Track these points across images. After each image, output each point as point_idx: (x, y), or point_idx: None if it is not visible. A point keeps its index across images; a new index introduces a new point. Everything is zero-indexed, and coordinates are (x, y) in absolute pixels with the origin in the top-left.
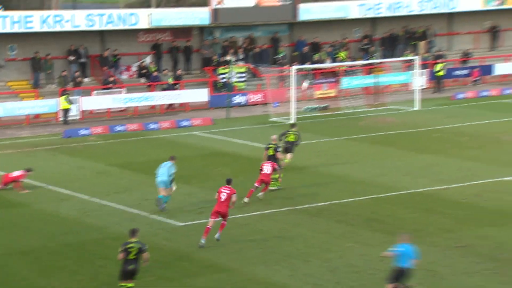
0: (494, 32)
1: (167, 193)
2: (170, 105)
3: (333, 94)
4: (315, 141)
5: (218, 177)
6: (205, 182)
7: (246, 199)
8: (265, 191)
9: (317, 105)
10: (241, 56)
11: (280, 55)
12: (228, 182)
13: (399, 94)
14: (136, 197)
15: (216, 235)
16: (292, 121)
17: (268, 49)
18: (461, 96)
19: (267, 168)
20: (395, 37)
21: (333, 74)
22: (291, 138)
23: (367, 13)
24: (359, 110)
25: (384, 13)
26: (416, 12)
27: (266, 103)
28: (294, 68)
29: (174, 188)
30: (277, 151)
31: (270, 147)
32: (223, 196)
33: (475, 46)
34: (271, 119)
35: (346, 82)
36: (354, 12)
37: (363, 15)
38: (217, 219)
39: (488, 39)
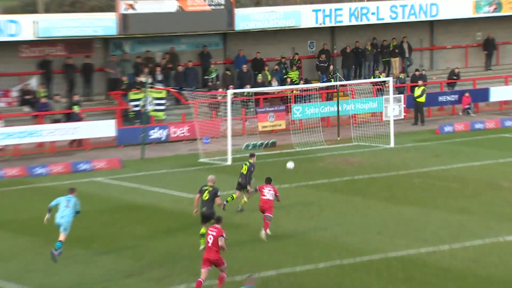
0: (488, 46)
1: (63, 239)
2: (73, 141)
3: (282, 127)
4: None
5: (129, 239)
6: (111, 245)
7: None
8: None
9: (261, 141)
10: (159, 77)
11: (212, 76)
12: (218, 220)
13: (368, 126)
14: (17, 267)
15: None
16: (249, 153)
17: (196, 67)
18: (448, 129)
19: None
20: (361, 52)
21: (282, 101)
22: (243, 169)
23: (325, 21)
24: (317, 147)
25: (346, 21)
26: (387, 20)
27: (193, 139)
28: (230, 92)
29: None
30: (217, 196)
31: (206, 190)
32: (210, 240)
33: (465, 64)
34: (200, 160)
35: (299, 111)
36: (307, 19)
37: (319, 24)
38: (209, 268)
39: (481, 55)
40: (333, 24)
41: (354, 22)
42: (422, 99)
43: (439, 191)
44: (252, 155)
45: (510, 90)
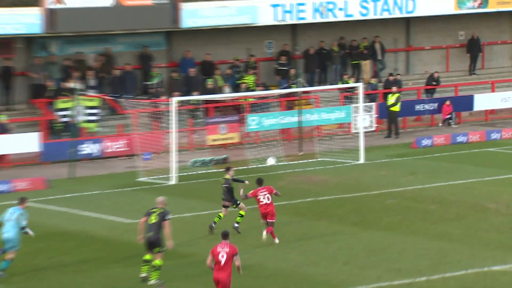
0: (472, 47)
1: (12, 256)
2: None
3: (235, 140)
4: (207, 212)
5: (55, 272)
6: (34, 280)
7: None
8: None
9: (211, 157)
10: (92, 83)
11: (153, 81)
12: (225, 236)
13: (334, 139)
14: None
15: None
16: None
17: (135, 71)
18: (426, 142)
19: (263, 195)
20: (327, 54)
21: (235, 110)
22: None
23: (285, 18)
24: (276, 163)
25: (310, 18)
26: (357, 17)
27: (132, 155)
28: (175, 100)
29: (31, 233)
30: (166, 219)
31: (154, 212)
32: (222, 258)
33: (446, 68)
34: (139, 179)
35: (255, 122)
36: (265, 16)
37: (278, 21)
38: None
39: (464, 57)
40: (294, 21)
41: (318, 19)
42: (397, 108)
43: (416, 214)
44: (227, 169)
45: (496, 98)
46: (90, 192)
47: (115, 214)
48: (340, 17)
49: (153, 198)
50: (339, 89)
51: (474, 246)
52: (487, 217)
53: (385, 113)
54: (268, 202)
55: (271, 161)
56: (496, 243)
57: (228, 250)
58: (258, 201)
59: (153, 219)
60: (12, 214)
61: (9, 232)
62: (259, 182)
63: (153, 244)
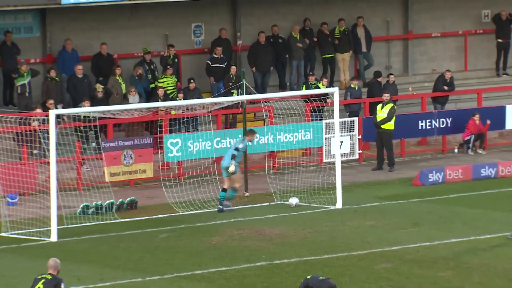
0: (502, 33)
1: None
2: None
3: (147, 174)
4: (104, 284)
5: None
6: None
7: None
8: None
9: (110, 201)
10: None
11: (20, 82)
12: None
13: (297, 172)
14: None
15: None
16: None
17: None
18: (435, 177)
19: None
20: (285, 44)
21: (147, 128)
22: None
23: None
24: (208, 210)
25: None
26: None
27: None
28: (54, 113)
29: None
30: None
31: (41, 280)
32: None
33: (463, 65)
34: (2, 234)
35: (177, 147)
36: None
37: None
38: None
39: (490, 48)
40: None
41: None
42: (390, 126)
43: (422, 284)
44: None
45: None
46: None
47: None
48: None
49: (23, 262)
50: (304, 96)
51: None
52: None
53: (373, 133)
54: None
55: (293, 201)
56: None
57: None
58: None
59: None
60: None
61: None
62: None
63: None
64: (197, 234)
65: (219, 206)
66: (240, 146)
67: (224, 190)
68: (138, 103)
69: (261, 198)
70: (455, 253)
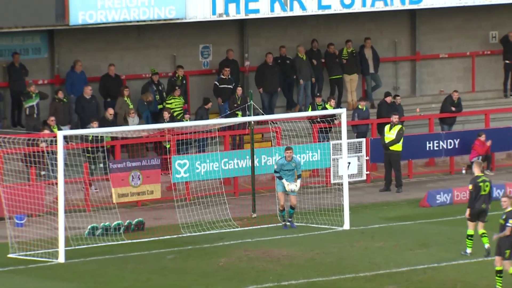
0: (509, 54)
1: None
2: None
3: (155, 195)
4: None
5: None
6: None
7: None
8: None
9: (118, 222)
10: None
11: (29, 104)
12: None
13: (305, 193)
14: None
15: None
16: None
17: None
18: (443, 198)
19: None
20: (292, 65)
21: (156, 149)
22: None
23: (228, 12)
24: (217, 231)
25: (266, 11)
26: (336, 9)
27: None
28: (62, 134)
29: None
30: None
31: None
32: None
33: (471, 86)
34: (10, 255)
35: (184, 168)
36: (197, 8)
37: (218, 16)
38: None
39: (497, 69)
40: (242, 16)
41: (279, 13)
42: (398, 147)
43: None
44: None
45: None
46: None
47: None
48: (312, 9)
49: (30, 283)
50: (311, 118)
51: None
52: None
53: (381, 155)
54: None
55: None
56: None
57: None
58: None
59: None
60: None
61: None
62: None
63: None
64: (205, 255)
65: (288, 222)
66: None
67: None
68: (137, 124)
69: (269, 219)
70: (463, 275)
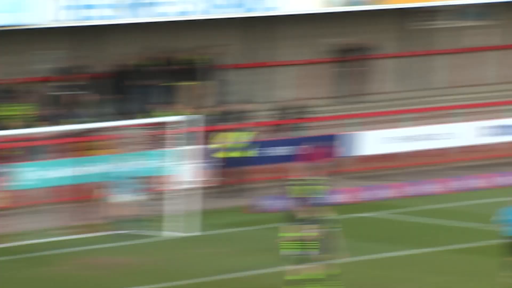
0: (355, 62)
1: None
2: None
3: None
4: None
5: None
6: None
7: None
8: None
9: None
10: None
11: None
12: None
13: (144, 201)
14: None
15: None
16: None
17: None
18: (273, 204)
19: None
20: (125, 72)
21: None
22: None
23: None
24: (41, 240)
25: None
26: (177, 15)
27: None
28: None
29: None
30: None
31: None
32: None
33: (316, 91)
34: None
35: (30, 173)
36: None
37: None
38: None
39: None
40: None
41: (124, 20)
42: (237, 153)
43: None
44: None
45: (390, 135)
46: None
47: None
48: (145, 17)
49: None
50: (149, 125)
51: None
52: None
53: (218, 161)
54: None
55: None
56: None
57: None
58: None
59: None
60: None
61: None
62: None
63: None
64: (30, 264)
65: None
66: None
67: None
68: None
69: (98, 227)
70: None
